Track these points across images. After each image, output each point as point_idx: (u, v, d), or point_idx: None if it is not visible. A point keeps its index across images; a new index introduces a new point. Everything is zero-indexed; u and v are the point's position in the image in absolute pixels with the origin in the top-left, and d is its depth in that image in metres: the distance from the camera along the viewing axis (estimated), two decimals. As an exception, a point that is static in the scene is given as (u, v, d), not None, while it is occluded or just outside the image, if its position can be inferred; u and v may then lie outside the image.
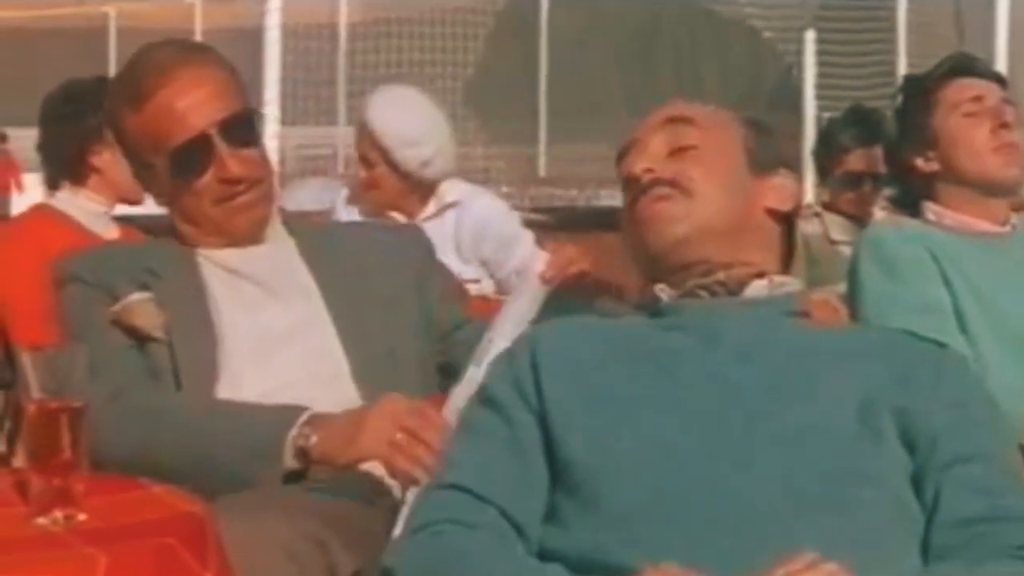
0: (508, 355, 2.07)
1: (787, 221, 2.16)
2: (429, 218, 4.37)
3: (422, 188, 4.39)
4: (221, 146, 2.57)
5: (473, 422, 2.06)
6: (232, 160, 2.58)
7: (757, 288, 2.07)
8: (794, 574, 1.70)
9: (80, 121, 4.16)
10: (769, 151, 2.15)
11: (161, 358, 2.56)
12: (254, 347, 2.57)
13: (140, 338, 2.56)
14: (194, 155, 2.57)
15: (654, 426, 1.94)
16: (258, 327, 2.59)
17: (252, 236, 2.66)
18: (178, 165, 2.59)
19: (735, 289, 2.06)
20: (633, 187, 2.10)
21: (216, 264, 2.65)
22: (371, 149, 4.35)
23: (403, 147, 4.31)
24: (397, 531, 2.16)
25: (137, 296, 2.59)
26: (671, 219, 2.07)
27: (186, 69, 2.59)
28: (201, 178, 2.59)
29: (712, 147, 2.12)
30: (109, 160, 4.15)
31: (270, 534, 2.18)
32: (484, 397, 2.06)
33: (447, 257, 4.25)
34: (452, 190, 4.46)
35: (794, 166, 2.19)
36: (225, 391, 2.54)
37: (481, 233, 4.43)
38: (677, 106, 2.18)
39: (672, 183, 2.08)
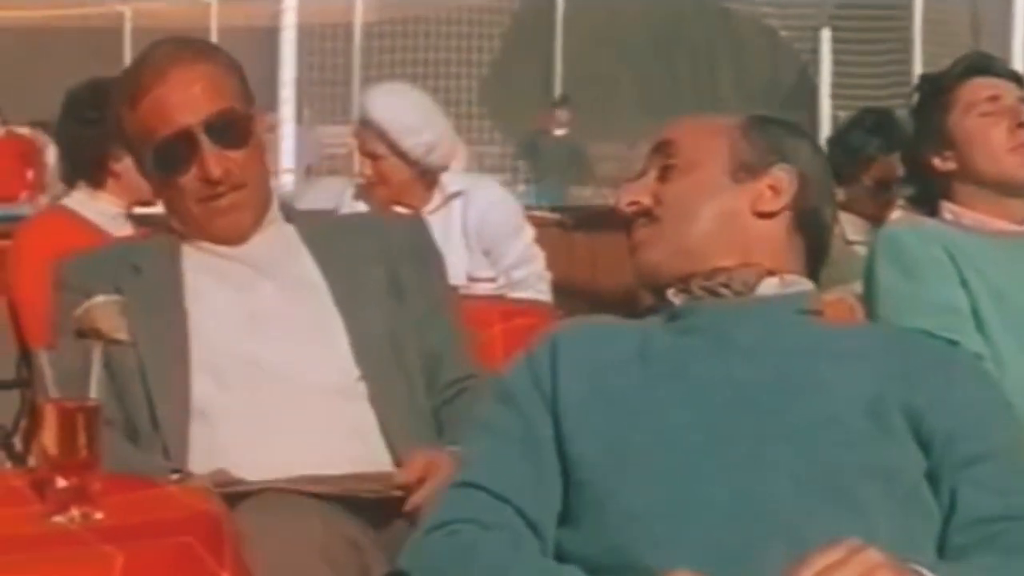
0: (528, 353, 2.08)
1: (795, 216, 2.12)
2: (435, 210, 4.42)
3: (428, 177, 4.45)
4: (205, 144, 2.56)
5: (490, 420, 2.06)
6: (213, 160, 2.56)
7: (768, 286, 2.08)
8: (834, 566, 1.69)
9: (103, 125, 4.15)
10: (760, 151, 2.13)
11: (127, 360, 2.55)
12: (245, 326, 2.57)
13: (105, 341, 2.54)
14: (177, 151, 2.57)
15: (665, 425, 1.94)
16: (249, 304, 2.59)
17: (233, 238, 2.65)
18: (161, 160, 2.59)
19: (742, 289, 2.06)
20: (625, 219, 2.15)
21: (206, 252, 2.65)
22: (377, 142, 4.41)
23: (408, 135, 4.38)
24: None
25: (101, 299, 2.59)
26: (646, 246, 2.12)
27: (182, 67, 2.59)
28: (183, 175, 2.58)
29: (687, 167, 2.13)
30: (129, 165, 4.15)
31: (306, 534, 2.19)
32: (503, 394, 2.06)
33: (457, 248, 4.33)
34: (454, 180, 4.52)
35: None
36: (205, 383, 2.53)
37: (484, 220, 4.48)
38: (668, 128, 2.20)
39: (647, 212, 2.12)
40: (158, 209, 3.21)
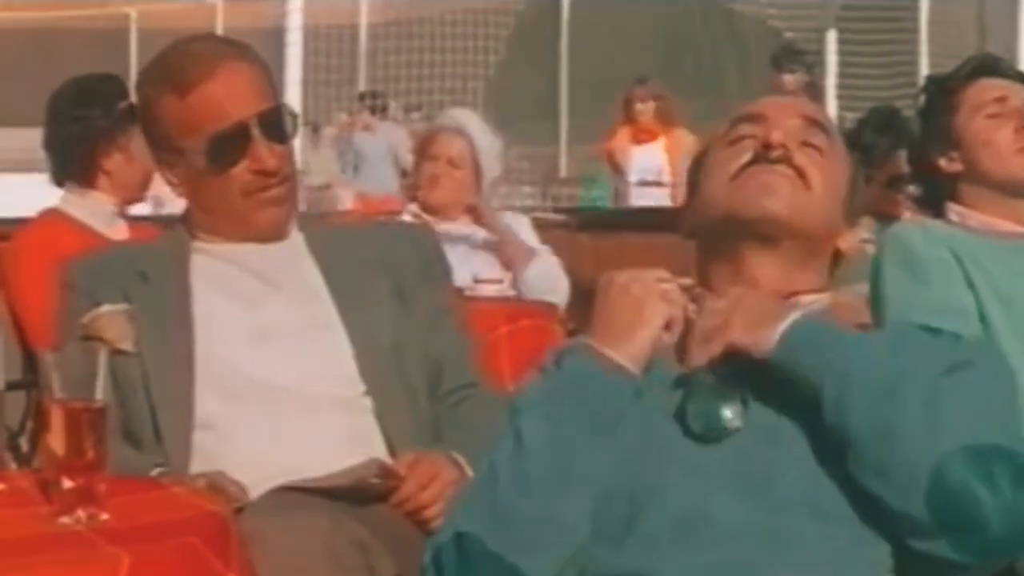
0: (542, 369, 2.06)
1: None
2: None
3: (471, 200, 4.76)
4: (258, 137, 2.60)
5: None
6: (266, 152, 2.60)
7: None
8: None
9: (90, 122, 4.15)
10: (857, 203, 2.18)
11: (131, 370, 2.55)
12: (252, 339, 2.57)
13: (110, 350, 2.54)
14: (231, 144, 2.60)
15: (677, 447, 1.94)
16: (257, 319, 2.59)
17: (272, 233, 2.67)
18: (214, 152, 2.61)
19: None
20: (759, 152, 2.08)
21: (215, 257, 2.66)
22: (465, 152, 4.73)
23: (488, 156, 4.76)
24: None
25: (107, 308, 2.59)
26: (780, 196, 2.05)
27: (231, 62, 2.63)
28: (235, 167, 2.60)
29: (835, 162, 2.13)
30: (120, 161, 4.16)
31: (312, 533, 2.20)
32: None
33: (477, 254, 4.53)
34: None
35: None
36: (209, 395, 2.53)
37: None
38: (810, 106, 2.18)
39: (798, 170, 2.07)
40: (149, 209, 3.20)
